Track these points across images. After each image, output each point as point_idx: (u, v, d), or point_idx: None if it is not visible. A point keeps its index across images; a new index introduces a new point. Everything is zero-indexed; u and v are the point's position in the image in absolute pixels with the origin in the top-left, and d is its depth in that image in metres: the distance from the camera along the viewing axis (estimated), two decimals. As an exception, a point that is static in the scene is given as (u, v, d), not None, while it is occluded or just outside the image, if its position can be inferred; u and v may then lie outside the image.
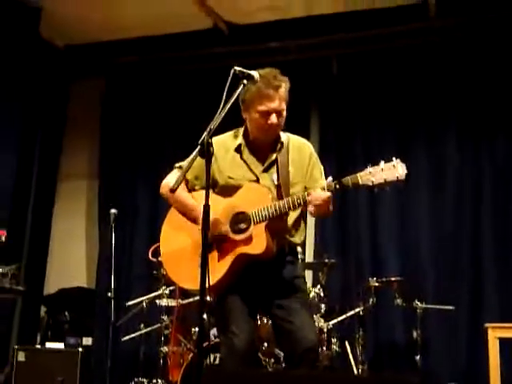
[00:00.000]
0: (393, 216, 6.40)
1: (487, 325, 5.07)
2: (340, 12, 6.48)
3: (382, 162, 3.22)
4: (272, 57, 6.63)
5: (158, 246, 3.64)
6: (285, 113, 3.48)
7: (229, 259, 3.35)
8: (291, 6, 6.46)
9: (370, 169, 3.23)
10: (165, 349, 5.43)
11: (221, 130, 3.26)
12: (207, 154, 2.81)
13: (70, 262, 7.47)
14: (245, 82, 3.10)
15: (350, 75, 6.83)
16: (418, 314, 5.48)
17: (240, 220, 3.39)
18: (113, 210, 5.49)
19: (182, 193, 3.47)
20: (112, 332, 5.24)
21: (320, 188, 3.28)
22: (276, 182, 3.49)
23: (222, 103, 2.95)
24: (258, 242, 3.31)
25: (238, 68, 3.06)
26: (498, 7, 6.15)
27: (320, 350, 5.07)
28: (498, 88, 6.31)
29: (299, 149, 3.61)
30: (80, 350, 5.79)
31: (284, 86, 3.44)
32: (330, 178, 3.32)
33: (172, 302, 5.39)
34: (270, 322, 4.71)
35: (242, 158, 3.54)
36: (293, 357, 3.38)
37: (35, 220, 7.14)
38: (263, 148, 3.56)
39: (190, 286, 3.45)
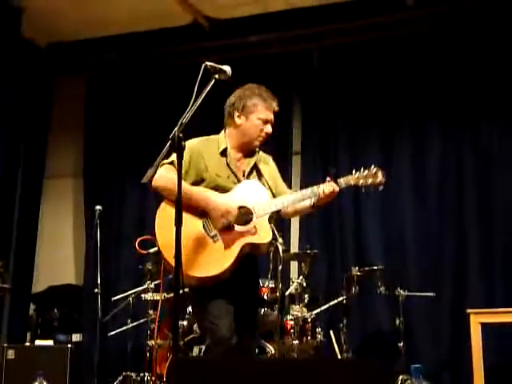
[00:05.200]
0: (376, 205, 6.44)
1: (469, 310, 5.13)
2: (320, 4, 6.50)
3: (363, 169, 3.69)
4: (253, 50, 6.69)
5: (145, 239, 3.68)
6: None
7: (236, 248, 3.48)
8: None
9: (357, 174, 3.69)
10: (151, 342, 5.48)
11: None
12: (178, 148, 2.86)
13: (59, 259, 7.51)
14: (216, 76, 3.14)
15: (331, 67, 6.85)
16: (401, 301, 5.56)
17: (242, 213, 3.55)
18: (98, 207, 5.50)
19: (191, 187, 3.55)
20: (100, 327, 5.27)
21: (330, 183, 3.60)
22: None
23: (193, 98, 2.99)
24: (264, 232, 3.54)
25: (209, 63, 3.11)
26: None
27: (305, 339, 5.16)
28: (481, 79, 6.34)
29: (266, 161, 3.85)
30: (69, 346, 5.84)
31: None
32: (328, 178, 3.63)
33: (157, 296, 5.44)
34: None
35: (226, 162, 3.66)
36: None
37: (22, 218, 7.16)
38: (244, 154, 3.74)
39: (198, 274, 3.52)
